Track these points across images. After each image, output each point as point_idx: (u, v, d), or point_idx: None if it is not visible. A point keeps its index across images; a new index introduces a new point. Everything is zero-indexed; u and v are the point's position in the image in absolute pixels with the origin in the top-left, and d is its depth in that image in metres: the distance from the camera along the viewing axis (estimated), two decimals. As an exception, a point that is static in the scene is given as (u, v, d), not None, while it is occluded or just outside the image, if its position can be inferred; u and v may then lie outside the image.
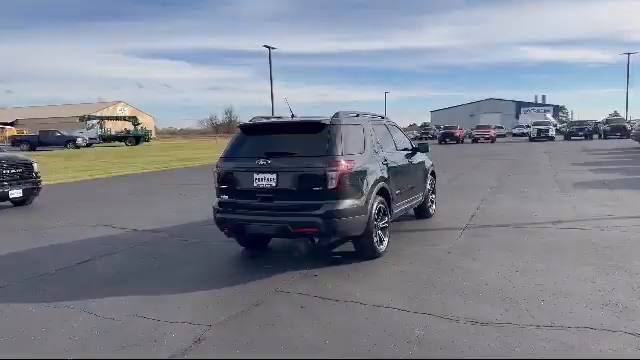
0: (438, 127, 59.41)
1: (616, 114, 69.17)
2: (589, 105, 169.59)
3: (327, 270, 5.39)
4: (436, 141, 42.66)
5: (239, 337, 3.74)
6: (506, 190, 11.40)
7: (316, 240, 5.45)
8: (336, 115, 5.63)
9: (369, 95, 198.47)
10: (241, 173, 5.51)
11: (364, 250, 5.66)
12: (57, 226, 8.61)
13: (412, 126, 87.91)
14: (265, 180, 5.29)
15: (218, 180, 5.69)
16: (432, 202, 8.40)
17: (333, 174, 5.07)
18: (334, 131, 5.37)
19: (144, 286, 5.12)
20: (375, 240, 5.63)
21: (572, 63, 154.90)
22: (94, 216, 9.48)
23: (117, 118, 56.78)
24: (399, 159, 6.79)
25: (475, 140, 41.85)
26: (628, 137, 34.54)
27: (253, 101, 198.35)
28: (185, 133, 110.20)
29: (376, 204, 5.63)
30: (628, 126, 37.78)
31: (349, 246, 6.04)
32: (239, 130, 5.88)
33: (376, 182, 5.71)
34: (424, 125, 66.11)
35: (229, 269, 5.80)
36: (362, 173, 5.52)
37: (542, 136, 38.93)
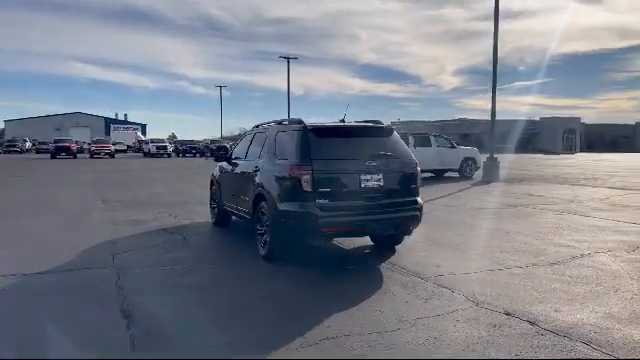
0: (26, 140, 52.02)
1: (174, 136, 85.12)
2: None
3: (392, 261, 5.64)
4: (37, 155, 37.71)
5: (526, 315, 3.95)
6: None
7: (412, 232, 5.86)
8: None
9: None
10: (344, 175, 5.32)
11: (400, 239, 6.19)
12: None
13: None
14: (373, 180, 5.38)
15: (312, 183, 5.11)
16: None
17: (418, 173, 5.77)
18: (398, 135, 5.95)
19: (288, 309, 3.97)
20: None
21: (122, 85, 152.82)
22: None
23: None
24: None
25: (93, 155, 38.70)
26: None
27: None
28: None
29: None
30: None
31: (346, 244, 6.26)
32: (309, 132, 5.40)
33: None
34: (12, 139, 54.63)
35: (305, 285, 4.95)
36: None
37: (162, 153, 40.98)
